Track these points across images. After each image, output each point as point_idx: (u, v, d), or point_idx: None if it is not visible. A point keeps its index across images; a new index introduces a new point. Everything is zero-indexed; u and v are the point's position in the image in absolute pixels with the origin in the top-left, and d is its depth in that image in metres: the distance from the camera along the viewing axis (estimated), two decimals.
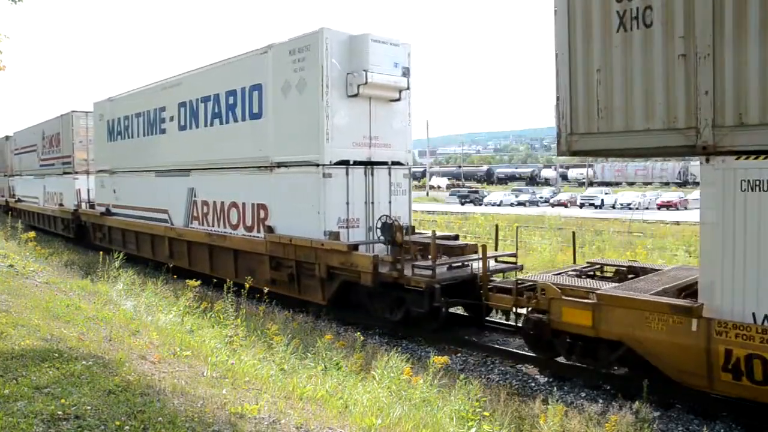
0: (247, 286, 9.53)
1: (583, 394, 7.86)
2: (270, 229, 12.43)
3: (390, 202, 12.20)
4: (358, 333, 9.22)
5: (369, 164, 11.84)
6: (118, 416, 4.20)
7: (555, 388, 8.07)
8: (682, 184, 72.33)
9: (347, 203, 11.51)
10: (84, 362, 5.35)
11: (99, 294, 10.02)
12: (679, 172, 76.79)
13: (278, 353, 7.40)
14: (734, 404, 6.96)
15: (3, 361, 5.20)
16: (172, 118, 16.28)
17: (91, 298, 9.64)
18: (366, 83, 11.18)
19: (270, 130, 12.50)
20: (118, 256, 12.66)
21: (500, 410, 6.50)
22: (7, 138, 36.31)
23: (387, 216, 10.71)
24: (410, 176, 12.91)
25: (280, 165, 12.32)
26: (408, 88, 12.12)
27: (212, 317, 9.22)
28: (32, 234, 16.89)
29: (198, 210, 15.26)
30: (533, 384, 8.32)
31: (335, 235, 11.09)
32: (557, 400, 7.38)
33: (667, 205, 45.13)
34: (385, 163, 12.15)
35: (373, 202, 11.93)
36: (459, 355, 9.48)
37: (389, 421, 5.15)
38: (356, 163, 11.60)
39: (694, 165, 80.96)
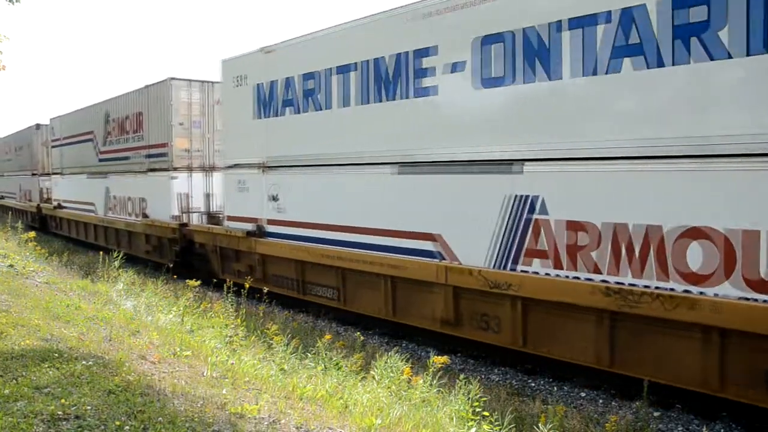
0: (247, 285, 9.52)
1: (583, 394, 7.86)
2: None
3: None
4: (358, 333, 9.22)
5: None
6: (118, 416, 4.20)
7: (555, 388, 8.09)
8: None
9: None
10: (84, 362, 5.35)
11: (99, 294, 10.03)
12: None
13: (278, 353, 7.40)
14: (734, 404, 6.96)
15: (3, 361, 5.20)
16: (455, 67, 8.55)
17: (91, 298, 9.65)
18: None
19: None
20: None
21: (500, 410, 6.50)
22: (37, 127, 28.02)
23: None
24: None
25: None
26: None
27: (212, 317, 9.22)
28: (32, 234, 16.84)
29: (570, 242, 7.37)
30: (533, 384, 8.32)
31: None
32: (557, 400, 7.41)
33: None
34: None
35: None
36: (459, 354, 9.48)
37: (389, 421, 5.15)
38: None
39: None
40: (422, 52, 9.08)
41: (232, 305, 8.86)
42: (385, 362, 6.94)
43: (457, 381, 6.43)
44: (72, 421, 4.08)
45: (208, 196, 15.79)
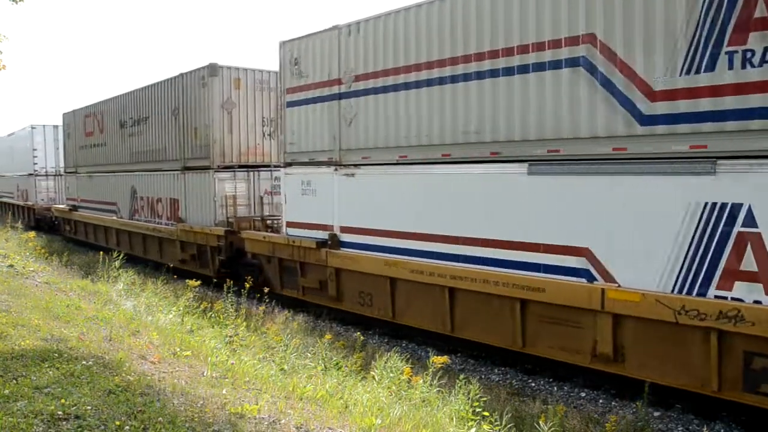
0: (247, 285, 9.53)
1: (583, 394, 7.86)
2: None
3: None
4: (358, 333, 9.22)
5: None
6: (118, 416, 4.20)
7: (555, 388, 8.09)
8: None
9: None
10: (84, 362, 5.35)
11: (99, 294, 10.02)
12: None
13: (278, 353, 7.40)
14: (734, 404, 6.96)
15: (3, 361, 5.20)
16: None
17: (91, 298, 9.65)
18: None
19: None
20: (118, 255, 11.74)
21: (500, 410, 6.50)
22: (212, 71, 14.20)
23: None
24: None
25: None
26: None
27: (212, 317, 9.22)
28: (32, 234, 16.83)
29: None
30: (533, 384, 8.32)
31: None
32: (557, 400, 7.42)
33: None
34: None
35: None
36: (459, 354, 9.48)
37: (389, 421, 5.15)
38: None
39: None
40: None
41: (231, 305, 8.85)
42: (385, 362, 6.94)
43: (457, 381, 6.43)
44: (72, 421, 4.08)
45: None
